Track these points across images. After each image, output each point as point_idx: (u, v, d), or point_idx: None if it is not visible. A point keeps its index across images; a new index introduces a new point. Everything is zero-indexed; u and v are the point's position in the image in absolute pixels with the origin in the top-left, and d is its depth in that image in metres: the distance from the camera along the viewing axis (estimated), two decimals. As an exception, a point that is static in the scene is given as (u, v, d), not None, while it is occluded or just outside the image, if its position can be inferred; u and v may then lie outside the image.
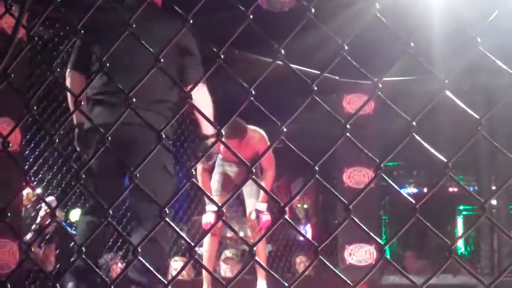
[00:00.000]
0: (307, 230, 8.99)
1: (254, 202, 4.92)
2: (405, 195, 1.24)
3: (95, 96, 3.29)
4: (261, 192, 4.84)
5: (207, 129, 3.46)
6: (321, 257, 1.20)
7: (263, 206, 4.86)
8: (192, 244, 1.24)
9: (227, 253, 6.48)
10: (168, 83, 3.25)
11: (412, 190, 11.19)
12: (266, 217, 4.81)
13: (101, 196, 1.35)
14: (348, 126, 1.22)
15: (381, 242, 1.19)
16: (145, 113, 2.82)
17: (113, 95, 3.16)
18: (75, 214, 6.87)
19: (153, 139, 1.26)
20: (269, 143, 4.62)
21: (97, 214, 3.19)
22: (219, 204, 1.23)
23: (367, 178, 6.91)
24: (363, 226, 1.19)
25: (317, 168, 1.21)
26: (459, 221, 11.75)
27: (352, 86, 6.98)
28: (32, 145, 4.94)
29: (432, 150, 1.21)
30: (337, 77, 6.72)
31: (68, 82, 3.38)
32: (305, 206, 9.19)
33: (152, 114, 3.16)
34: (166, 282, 1.23)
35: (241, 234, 7.15)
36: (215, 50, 1.27)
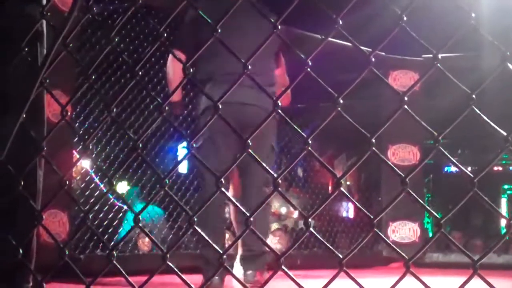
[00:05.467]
0: (349, 207, 8.97)
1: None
2: (463, 168, 1.23)
3: (213, 76, 3.71)
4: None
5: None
6: (376, 230, 1.20)
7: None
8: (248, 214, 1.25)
9: (275, 224, 6.47)
10: (272, 67, 3.77)
11: (456, 168, 11.06)
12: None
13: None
14: (406, 99, 1.20)
15: (438, 216, 1.18)
16: (260, 94, 3.40)
17: (232, 75, 3.31)
18: (121, 187, 7.00)
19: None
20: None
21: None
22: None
23: (412, 155, 6.85)
24: (421, 201, 1.19)
25: (373, 140, 1.21)
26: (503, 200, 11.62)
27: (398, 62, 6.90)
28: (82, 118, 5.04)
29: (492, 124, 1.19)
30: (383, 53, 6.65)
31: (171, 62, 3.88)
32: (348, 183, 9.17)
33: (264, 96, 3.39)
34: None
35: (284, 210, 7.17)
36: (272, 20, 1.27)
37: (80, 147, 4.34)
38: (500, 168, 11.06)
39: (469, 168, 10.70)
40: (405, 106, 1.19)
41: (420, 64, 6.65)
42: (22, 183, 1.37)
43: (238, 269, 4.81)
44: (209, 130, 3.54)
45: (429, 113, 6.08)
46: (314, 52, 1.25)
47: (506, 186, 11.60)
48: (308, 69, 1.25)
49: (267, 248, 4.03)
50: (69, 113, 1.43)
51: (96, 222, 5.13)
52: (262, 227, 3.72)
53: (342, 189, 1.24)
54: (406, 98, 1.20)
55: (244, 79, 1.26)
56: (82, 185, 5.34)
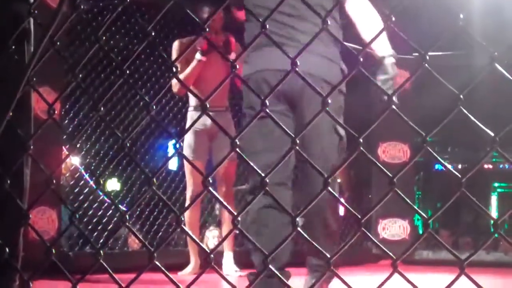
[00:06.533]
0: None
1: None
2: (451, 169, 1.23)
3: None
4: None
5: (382, 49, 2.72)
6: (363, 229, 1.20)
7: None
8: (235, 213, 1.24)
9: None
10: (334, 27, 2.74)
11: (444, 168, 11.08)
12: None
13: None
14: (394, 99, 1.20)
15: (426, 216, 1.18)
16: (312, 58, 2.54)
17: (281, 37, 2.66)
18: (111, 184, 6.98)
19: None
20: None
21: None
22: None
23: (402, 153, 6.87)
24: (408, 200, 1.19)
25: (361, 140, 1.21)
26: (493, 198, 11.64)
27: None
28: (71, 114, 5.03)
29: (480, 124, 1.19)
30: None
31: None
32: (338, 180, 9.16)
33: (319, 59, 2.64)
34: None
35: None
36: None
37: (69, 144, 4.32)
38: (491, 166, 11.07)
39: (460, 166, 10.73)
40: (393, 107, 1.19)
41: (412, 62, 6.65)
42: (9, 181, 1.36)
43: (226, 266, 4.84)
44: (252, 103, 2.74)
45: (421, 110, 6.10)
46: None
47: (496, 184, 11.62)
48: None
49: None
50: (56, 112, 1.42)
51: (85, 219, 5.13)
52: (323, 228, 2.86)
53: (330, 188, 1.23)
54: (395, 99, 1.20)
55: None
56: (72, 182, 5.32)
